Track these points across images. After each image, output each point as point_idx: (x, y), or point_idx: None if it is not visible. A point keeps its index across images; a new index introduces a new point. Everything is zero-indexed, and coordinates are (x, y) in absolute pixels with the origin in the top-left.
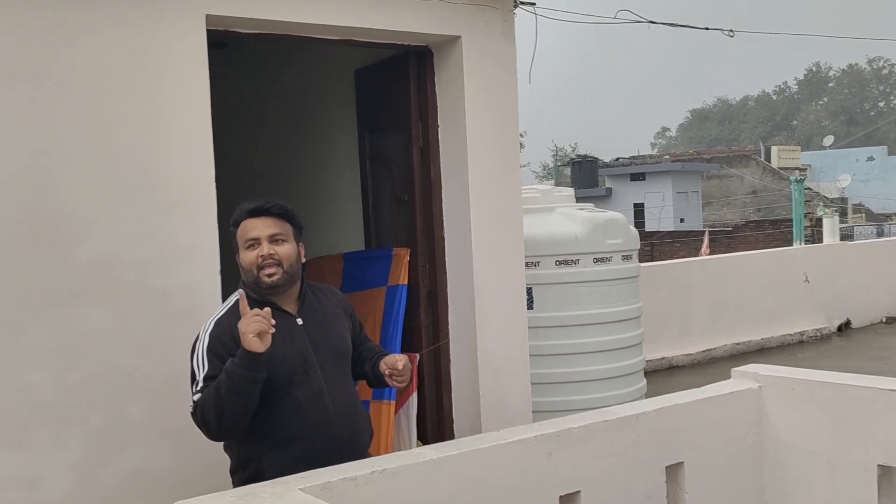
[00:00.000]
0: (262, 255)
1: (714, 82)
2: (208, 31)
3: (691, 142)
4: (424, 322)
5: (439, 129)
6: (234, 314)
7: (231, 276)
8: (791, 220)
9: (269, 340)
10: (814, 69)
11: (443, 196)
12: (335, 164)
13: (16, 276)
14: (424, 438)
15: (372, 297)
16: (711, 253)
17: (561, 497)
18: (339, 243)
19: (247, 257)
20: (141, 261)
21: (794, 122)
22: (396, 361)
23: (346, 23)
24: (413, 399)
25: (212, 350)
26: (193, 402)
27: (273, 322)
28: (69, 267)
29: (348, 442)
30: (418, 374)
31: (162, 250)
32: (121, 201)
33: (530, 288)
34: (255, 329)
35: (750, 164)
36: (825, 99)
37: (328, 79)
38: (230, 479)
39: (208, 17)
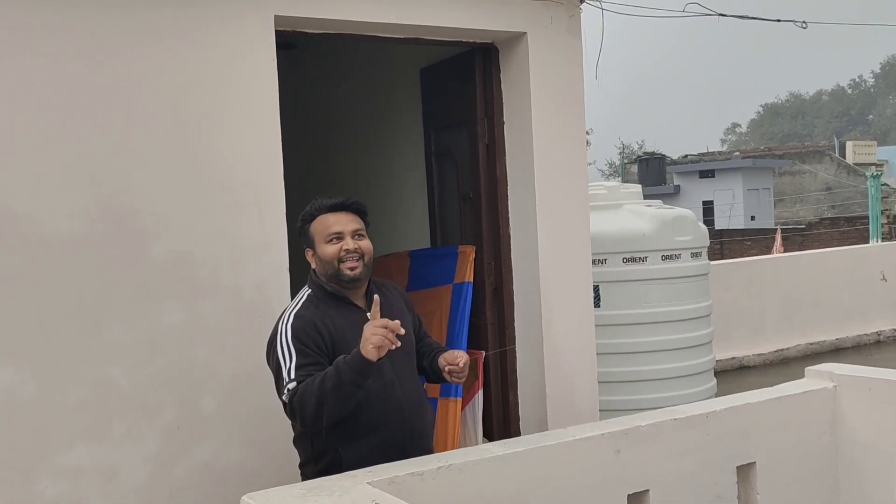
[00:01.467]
0: (346, 249)
1: (786, 76)
2: (277, 31)
3: (762, 138)
4: (490, 320)
5: (505, 127)
6: (310, 308)
7: (298, 273)
8: (867, 217)
9: (384, 353)
10: (891, 61)
11: (508, 193)
12: (401, 162)
13: (94, 272)
14: (490, 436)
15: (438, 294)
16: (784, 251)
17: (629, 496)
18: (405, 241)
19: (329, 250)
20: (213, 258)
21: (870, 116)
22: (457, 358)
23: (413, 21)
24: (479, 396)
25: (297, 338)
26: (288, 389)
27: (398, 336)
28: (145, 264)
29: (419, 433)
30: (484, 371)
31: (233, 248)
32: (193, 200)
33: (597, 286)
34: (378, 342)
35: (823, 160)
36: None
37: (394, 77)
38: (298, 473)
39: (277, 17)
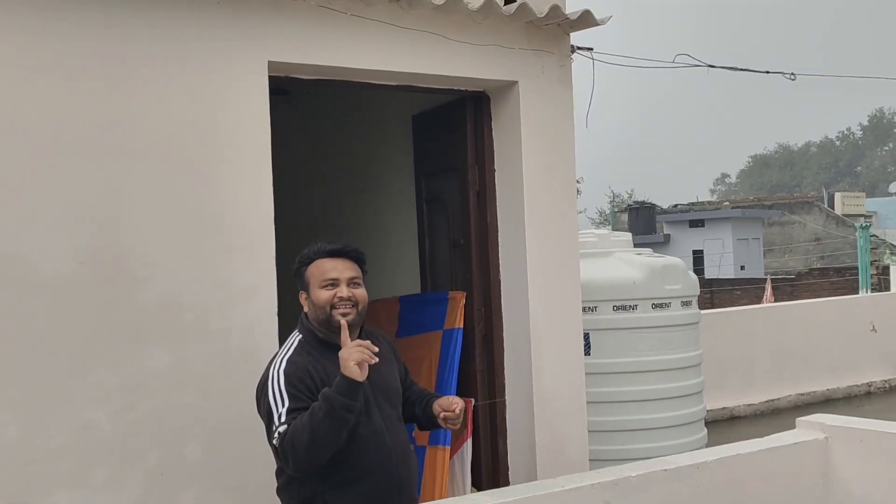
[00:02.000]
0: (340, 297)
1: (775, 128)
2: (270, 77)
3: (752, 188)
4: (480, 366)
5: (496, 174)
6: (301, 354)
7: (285, 317)
8: (856, 268)
9: (366, 370)
10: (878, 114)
11: (499, 240)
12: (392, 208)
13: (81, 314)
14: (479, 485)
15: (428, 340)
16: (774, 301)
17: None
18: (395, 286)
19: (323, 296)
20: (202, 301)
21: (859, 168)
22: (452, 404)
23: (405, 68)
24: (468, 445)
25: (290, 384)
26: (279, 433)
27: (375, 350)
28: (133, 307)
29: (406, 482)
30: (473, 419)
31: (222, 291)
32: (183, 243)
33: (587, 333)
34: (357, 358)
35: (813, 211)
36: (890, 144)
37: (386, 124)
38: None
39: (270, 63)
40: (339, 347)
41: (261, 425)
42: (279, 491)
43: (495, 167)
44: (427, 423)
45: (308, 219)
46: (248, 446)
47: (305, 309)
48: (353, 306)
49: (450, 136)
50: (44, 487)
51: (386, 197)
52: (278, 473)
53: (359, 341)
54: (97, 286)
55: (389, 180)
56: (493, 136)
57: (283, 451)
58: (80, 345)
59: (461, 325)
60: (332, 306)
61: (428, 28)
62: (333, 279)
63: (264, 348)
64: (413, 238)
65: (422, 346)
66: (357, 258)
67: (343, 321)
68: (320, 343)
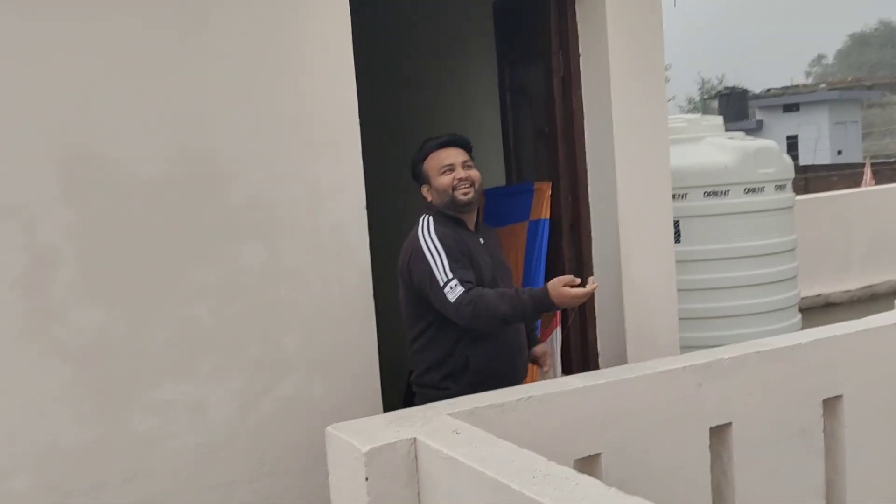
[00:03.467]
0: (458, 178)
1: (875, 2)
2: None
3: (850, 69)
4: (568, 255)
5: (581, 59)
6: (440, 224)
7: (376, 213)
8: None
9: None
10: None
11: (585, 128)
12: (475, 99)
13: (175, 215)
14: (569, 372)
15: (514, 232)
16: (875, 185)
17: (711, 429)
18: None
19: (443, 180)
20: (291, 199)
21: None
22: (546, 356)
23: None
24: (557, 333)
25: (444, 243)
26: (458, 283)
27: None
28: (223, 205)
29: (524, 346)
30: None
31: (310, 189)
32: (269, 142)
33: (677, 221)
34: (572, 304)
35: None
36: None
37: (466, 15)
38: (380, 405)
39: None
40: (464, 224)
41: (353, 318)
42: (414, 355)
43: (580, 52)
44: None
45: (394, 118)
46: (344, 337)
47: (429, 199)
48: (470, 185)
49: (532, 22)
50: (153, 379)
51: (469, 89)
52: (414, 339)
53: (586, 291)
54: (189, 186)
55: (472, 72)
56: (577, 20)
57: (467, 303)
58: (177, 244)
59: (547, 216)
60: (454, 188)
61: None
62: (450, 164)
63: (354, 243)
64: (497, 129)
65: (508, 237)
66: (465, 145)
67: (595, 284)
68: (449, 219)
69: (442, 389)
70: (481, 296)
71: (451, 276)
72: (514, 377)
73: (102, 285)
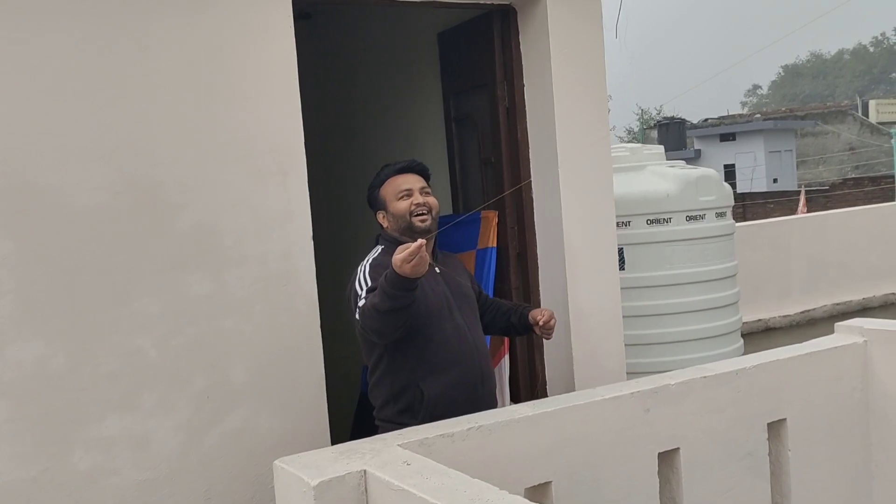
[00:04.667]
0: (416, 203)
1: (806, 36)
2: (293, 1)
3: (784, 99)
4: (515, 284)
5: (525, 89)
6: (387, 256)
7: (320, 241)
8: (892, 177)
9: (416, 270)
10: None
11: (530, 156)
12: (421, 129)
13: (121, 244)
14: (517, 400)
15: (462, 260)
16: (808, 212)
17: (660, 454)
18: None
19: (401, 206)
20: (238, 227)
21: (894, 74)
22: (547, 316)
23: None
24: (505, 361)
25: (373, 270)
26: (359, 307)
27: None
28: (170, 235)
29: (488, 376)
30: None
31: (257, 217)
32: (216, 170)
33: (622, 248)
34: (410, 268)
35: (846, 120)
36: None
37: (412, 44)
38: (328, 439)
39: None
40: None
41: (301, 347)
42: (372, 388)
43: (524, 82)
44: (524, 330)
45: (338, 143)
46: (292, 367)
47: (385, 225)
48: (428, 212)
49: (477, 53)
50: (96, 412)
51: (414, 118)
52: (371, 372)
53: (410, 249)
54: (134, 215)
55: (417, 101)
56: (522, 50)
57: (362, 319)
58: (122, 274)
59: (495, 244)
60: (411, 213)
61: None
62: (407, 189)
63: (302, 271)
64: (443, 158)
65: None
66: (423, 171)
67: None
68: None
69: (400, 425)
70: (366, 301)
71: (362, 296)
72: (476, 409)
73: (42, 318)
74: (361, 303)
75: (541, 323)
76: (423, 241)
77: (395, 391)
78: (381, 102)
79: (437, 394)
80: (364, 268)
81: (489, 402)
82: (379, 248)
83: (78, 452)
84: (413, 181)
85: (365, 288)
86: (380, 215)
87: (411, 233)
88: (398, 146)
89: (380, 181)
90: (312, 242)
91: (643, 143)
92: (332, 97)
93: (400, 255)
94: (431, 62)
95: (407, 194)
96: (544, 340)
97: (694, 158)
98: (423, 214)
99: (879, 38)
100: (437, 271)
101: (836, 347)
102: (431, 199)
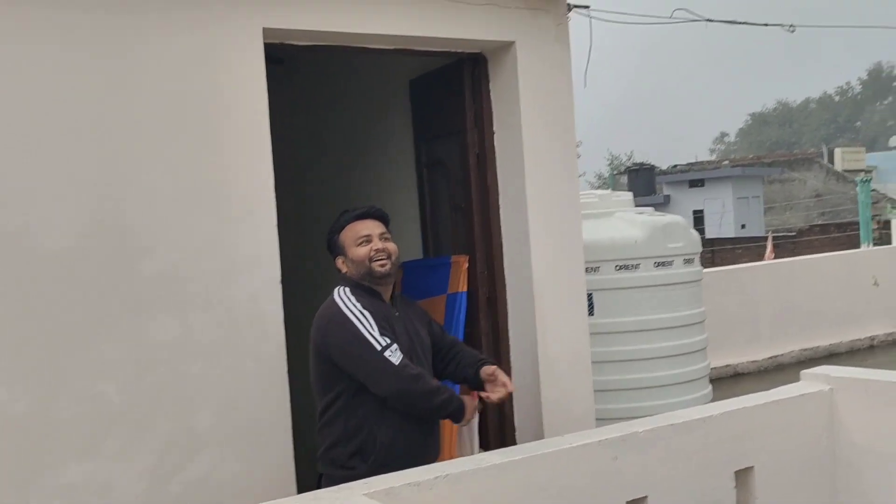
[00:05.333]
0: (375, 249)
1: (774, 85)
2: (266, 44)
3: (751, 147)
4: (484, 329)
5: (495, 136)
6: (360, 296)
7: (289, 286)
8: (857, 223)
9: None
10: (877, 68)
11: (500, 202)
12: (392, 174)
13: (87, 288)
14: (487, 447)
15: (432, 305)
16: (776, 258)
17: (628, 502)
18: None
19: (360, 252)
20: (205, 271)
21: (858, 123)
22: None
23: (401, 31)
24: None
25: (365, 307)
26: (395, 353)
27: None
28: (137, 279)
29: (438, 423)
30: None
31: (225, 261)
32: (184, 214)
33: (591, 294)
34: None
35: (813, 168)
36: (890, 98)
37: (384, 90)
38: (293, 485)
39: (265, 30)
40: (380, 296)
41: (267, 393)
42: (322, 427)
43: (494, 129)
44: (479, 386)
45: (309, 187)
46: (258, 413)
47: (344, 270)
48: (387, 257)
49: (448, 100)
50: (58, 458)
51: (386, 163)
52: (323, 410)
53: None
54: (101, 259)
55: (389, 146)
56: (492, 98)
57: (414, 372)
58: (87, 318)
59: (465, 289)
60: (371, 259)
61: None
62: (367, 235)
63: (269, 315)
64: (414, 203)
65: (426, 310)
66: (382, 217)
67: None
68: (366, 291)
69: (349, 469)
70: (423, 374)
71: (387, 341)
72: (424, 459)
73: (3, 361)
74: (398, 354)
75: (484, 377)
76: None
77: (349, 432)
78: (353, 147)
79: (390, 438)
80: (357, 308)
81: (436, 453)
82: (347, 289)
83: (39, 500)
84: (372, 227)
85: (372, 325)
86: (339, 261)
87: (371, 278)
88: (370, 191)
89: (339, 227)
90: (281, 287)
91: (613, 188)
92: (304, 142)
93: (470, 416)
94: (403, 108)
95: (366, 240)
96: (514, 384)
97: (663, 204)
98: (382, 260)
99: (844, 87)
100: (397, 315)
101: (802, 395)
102: (391, 245)
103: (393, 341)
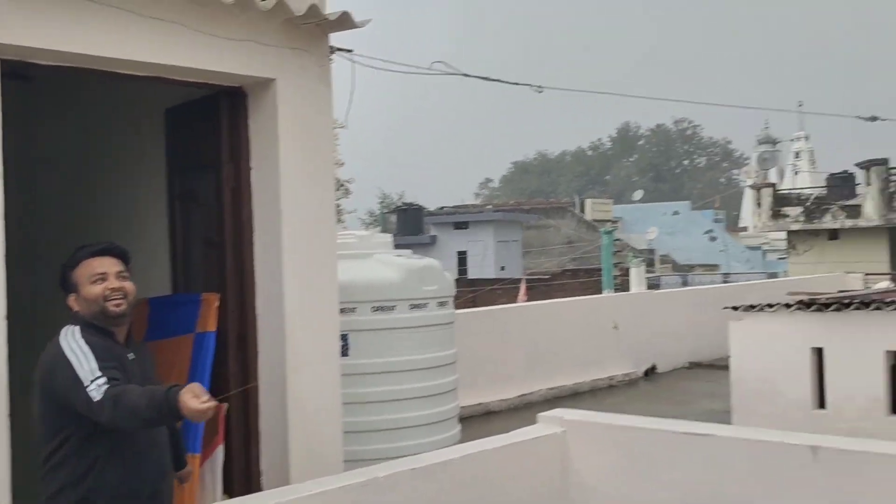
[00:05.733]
0: (111, 288)
1: (535, 136)
2: (3, 60)
3: (513, 193)
4: (234, 370)
5: (252, 171)
6: (91, 335)
7: (17, 322)
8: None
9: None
10: (625, 127)
11: (254, 239)
12: (142, 204)
13: None
14: (231, 492)
15: (178, 344)
16: (529, 300)
17: None
18: (145, 287)
19: (94, 290)
20: None
21: (607, 176)
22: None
23: (154, 59)
24: (220, 451)
25: (90, 344)
26: (105, 381)
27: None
28: None
29: (169, 470)
30: (226, 424)
31: None
32: None
33: (346, 334)
34: (199, 418)
35: (566, 216)
36: (635, 156)
37: (139, 117)
38: None
39: (2, 46)
40: (113, 336)
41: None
42: (48, 472)
43: (252, 165)
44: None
45: (55, 215)
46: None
47: (76, 309)
48: (123, 297)
49: (204, 132)
50: None
51: (137, 192)
52: (51, 454)
53: (205, 408)
54: None
55: (141, 175)
56: (250, 133)
57: (109, 398)
58: None
59: (214, 329)
60: (105, 298)
61: (179, 19)
62: (102, 273)
63: None
64: (165, 236)
65: (171, 350)
66: (121, 254)
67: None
68: (99, 331)
69: None
70: (125, 391)
71: (98, 374)
72: (157, 502)
73: None
74: (103, 387)
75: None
76: (224, 406)
77: (78, 476)
78: (103, 175)
79: (118, 484)
80: (77, 345)
81: (170, 496)
82: (76, 328)
83: None
84: (109, 264)
85: (93, 365)
86: (70, 298)
87: (104, 318)
88: (119, 220)
89: (74, 262)
90: (6, 322)
91: (384, 226)
92: (48, 166)
93: (197, 406)
94: (158, 137)
95: (101, 278)
96: (261, 428)
97: (430, 244)
98: (117, 299)
99: (596, 142)
100: (130, 357)
101: (536, 438)
102: (128, 284)
103: (105, 374)
